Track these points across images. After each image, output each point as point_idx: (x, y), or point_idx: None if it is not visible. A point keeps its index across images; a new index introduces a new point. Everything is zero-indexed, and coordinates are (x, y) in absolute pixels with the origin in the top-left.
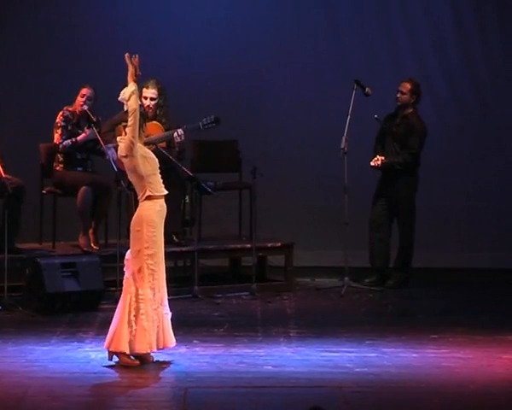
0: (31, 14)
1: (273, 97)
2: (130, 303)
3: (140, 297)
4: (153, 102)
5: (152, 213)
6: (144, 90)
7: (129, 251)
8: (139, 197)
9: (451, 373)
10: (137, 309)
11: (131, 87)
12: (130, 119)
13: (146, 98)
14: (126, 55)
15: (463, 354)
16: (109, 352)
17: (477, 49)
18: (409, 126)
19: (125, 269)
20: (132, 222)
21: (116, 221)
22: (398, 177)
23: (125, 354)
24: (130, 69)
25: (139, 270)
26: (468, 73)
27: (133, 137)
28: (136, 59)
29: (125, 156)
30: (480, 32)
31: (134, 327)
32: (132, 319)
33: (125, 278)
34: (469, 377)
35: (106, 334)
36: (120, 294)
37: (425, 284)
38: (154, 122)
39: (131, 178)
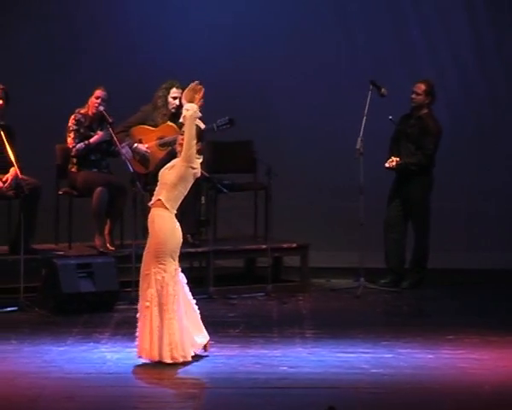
0: (46, 14)
1: (288, 98)
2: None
3: None
4: (177, 102)
5: None
6: (174, 90)
7: None
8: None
9: (466, 374)
10: None
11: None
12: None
13: (175, 98)
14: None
15: (478, 355)
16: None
17: (491, 51)
18: (424, 127)
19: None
20: None
21: (131, 222)
22: (412, 177)
23: None
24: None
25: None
26: (482, 74)
27: None
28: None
29: None
30: (495, 33)
31: None
32: None
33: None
34: (484, 377)
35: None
36: (137, 294)
37: (440, 285)
38: (169, 123)
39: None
